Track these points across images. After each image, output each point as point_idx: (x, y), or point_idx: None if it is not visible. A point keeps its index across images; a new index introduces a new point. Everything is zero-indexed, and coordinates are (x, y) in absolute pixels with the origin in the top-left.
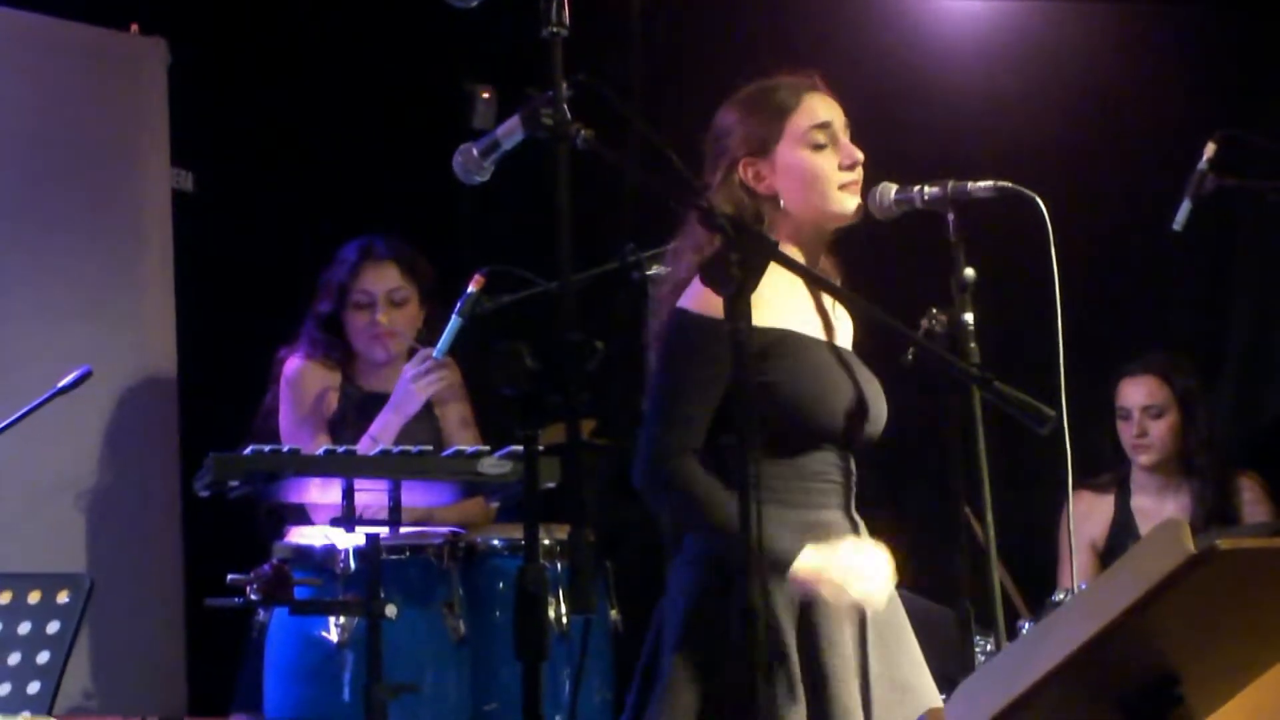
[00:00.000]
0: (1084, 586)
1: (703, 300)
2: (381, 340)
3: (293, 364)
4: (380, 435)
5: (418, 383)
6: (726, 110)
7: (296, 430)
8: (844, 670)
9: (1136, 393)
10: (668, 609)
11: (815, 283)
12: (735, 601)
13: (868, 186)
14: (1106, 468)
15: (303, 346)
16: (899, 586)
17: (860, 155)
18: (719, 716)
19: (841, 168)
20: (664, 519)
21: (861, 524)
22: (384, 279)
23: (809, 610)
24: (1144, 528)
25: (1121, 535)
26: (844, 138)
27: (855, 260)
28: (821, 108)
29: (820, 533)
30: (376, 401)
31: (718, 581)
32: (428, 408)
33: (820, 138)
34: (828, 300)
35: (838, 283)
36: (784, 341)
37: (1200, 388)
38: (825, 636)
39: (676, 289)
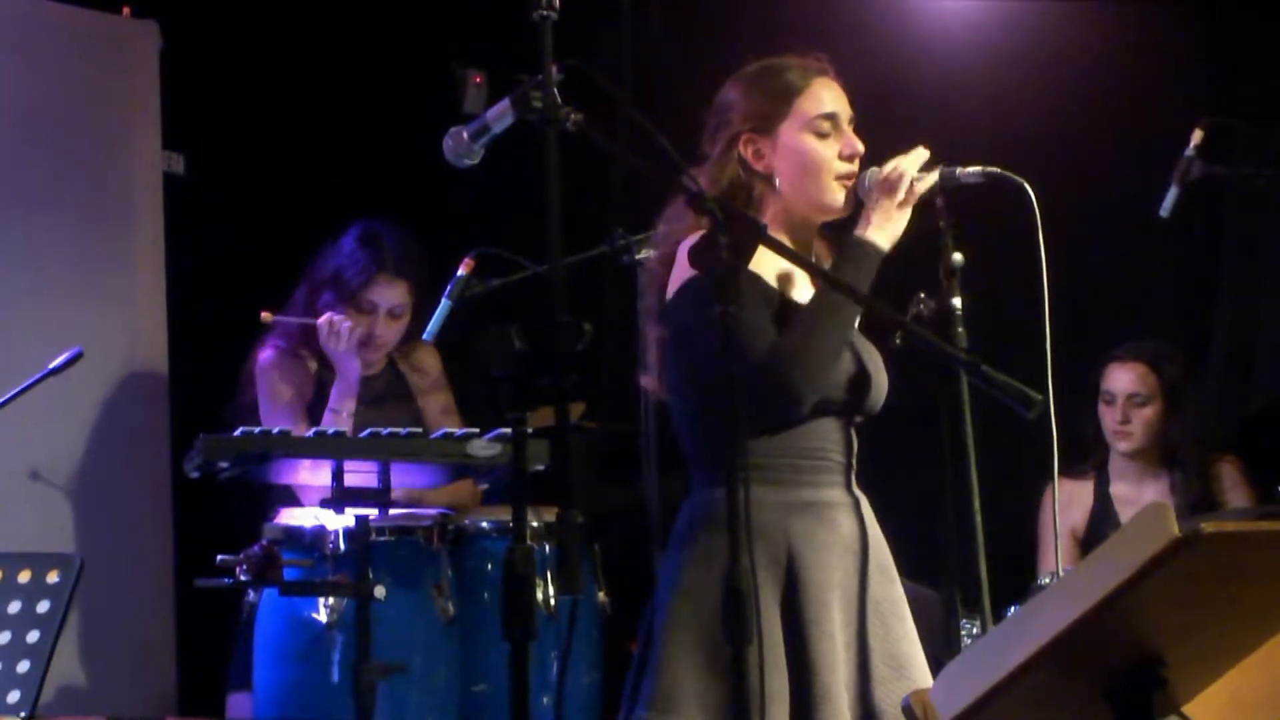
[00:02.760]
0: (1068, 571)
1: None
2: (370, 348)
3: (266, 354)
4: (340, 406)
5: (336, 343)
6: (733, 84)
7: (275, 419)
8: (828, 649)
9: (1123, 379)
10: (660, 580)
11: (801, 265)
12: (720, 578)
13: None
14: (1087, 452)
15: (277, 336)
16: None
17: (861, 147)
18: (711, 678)
19: (841, 157)
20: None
21: (863, 499)
22: (392, 295)
23: (794, 590)
24: (1123, 514)
25: (1101, 522)
26: (848, 128)
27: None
28: (829, 97)
29: (814, 511)
30: None
31: (713, 543)
32: (409, 396)
33: (825, 126)
34: None
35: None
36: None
37: (1187, 379)
38: (809, 616)
39: (665, 264)
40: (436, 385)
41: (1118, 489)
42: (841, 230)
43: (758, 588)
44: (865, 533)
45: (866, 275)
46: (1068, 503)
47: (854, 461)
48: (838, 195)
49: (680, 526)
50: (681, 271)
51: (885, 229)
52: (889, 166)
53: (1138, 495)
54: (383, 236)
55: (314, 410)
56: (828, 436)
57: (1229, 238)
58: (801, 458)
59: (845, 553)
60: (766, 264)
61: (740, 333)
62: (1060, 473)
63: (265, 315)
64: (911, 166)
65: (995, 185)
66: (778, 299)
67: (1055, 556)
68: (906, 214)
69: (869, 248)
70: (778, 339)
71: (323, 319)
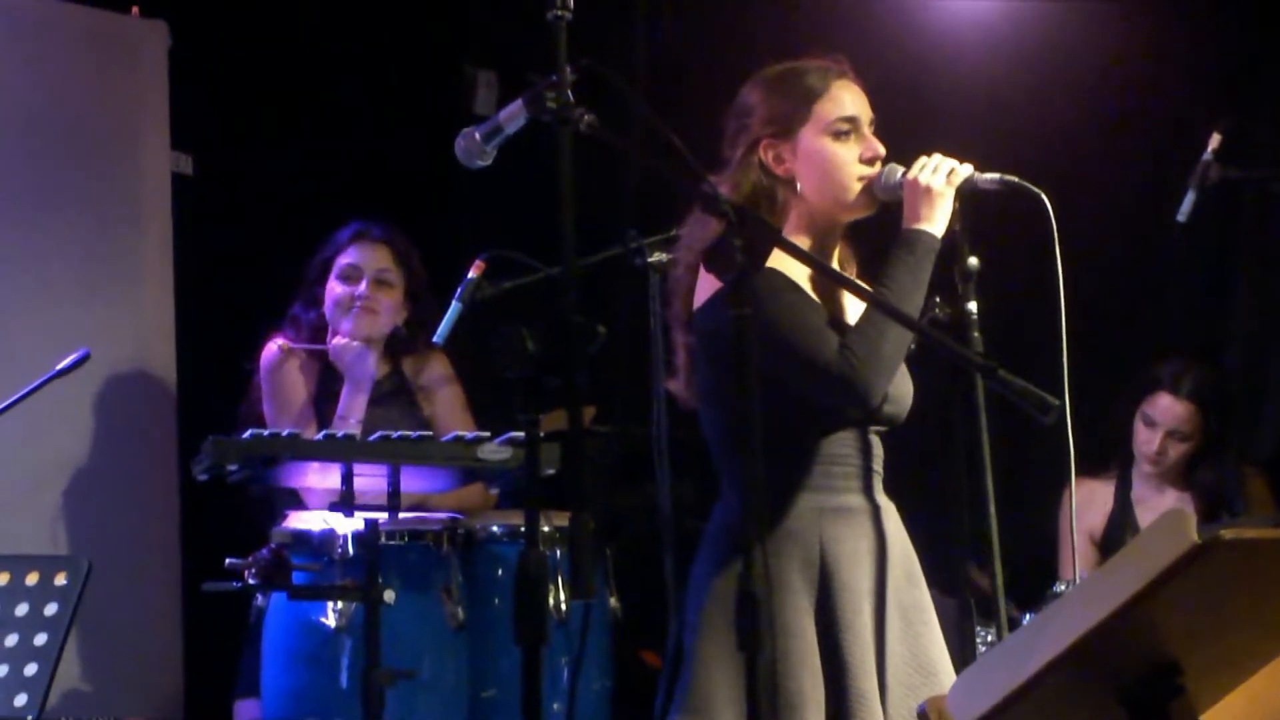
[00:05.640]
0: (1085, 576)
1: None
2: (356, 314)
3: (270, 353)
4: (348, 412)
5: (348, 350)
6: (751, 88)
7: (281, 420)
8: (861, 653)
9: (1170, 413)
10: (690, 585)
11: (819, 270)
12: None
13: None
14: (1107, 454)
15: (284, 335)
16: None
17: (882, 150)
18: (743, 681)
19: (862, 160)
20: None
21: (887, 506)
22: (375, 258)
23: (827, 594)
24: (1142, 518)
25: (1119, 525)
26: (868, 131)
27: (860, 249)
28: (849, 99)
29: (845, 516)
30: None
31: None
32: (413, 401)
33: (845, 128)
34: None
35: (853, 269)
36: None
37: (1232, 422)
38: (843, 620)
39: (691, 271)
40: (447, 384)
41: (1139, 493)
42: (853, 228)
43: (789, 591)
44: (893, 539)
45: (927, 265)
46: (1087, 503)
47: (880, 468)
48: (860, 197)
49: (710, 530)
50: (711, 279)
51: (934, 218)
52: (920, 162)
53: (1158, 500)
54: (367, 222)
55: (320, 409)
56: (851, 444)
57: (1247, 242)
58: (833, 464)
59: (873, 558)
60: (798, 268)
61: (794, 339)
62: (1081, 473)
63: (283, 344)
64: (944, 161)
65: (1012, 192)
66: (817, 302)
67: (1072, 562)
68: (950, 200)
69: (925, 237)
70: (846, 341)
71: (333, 342)
